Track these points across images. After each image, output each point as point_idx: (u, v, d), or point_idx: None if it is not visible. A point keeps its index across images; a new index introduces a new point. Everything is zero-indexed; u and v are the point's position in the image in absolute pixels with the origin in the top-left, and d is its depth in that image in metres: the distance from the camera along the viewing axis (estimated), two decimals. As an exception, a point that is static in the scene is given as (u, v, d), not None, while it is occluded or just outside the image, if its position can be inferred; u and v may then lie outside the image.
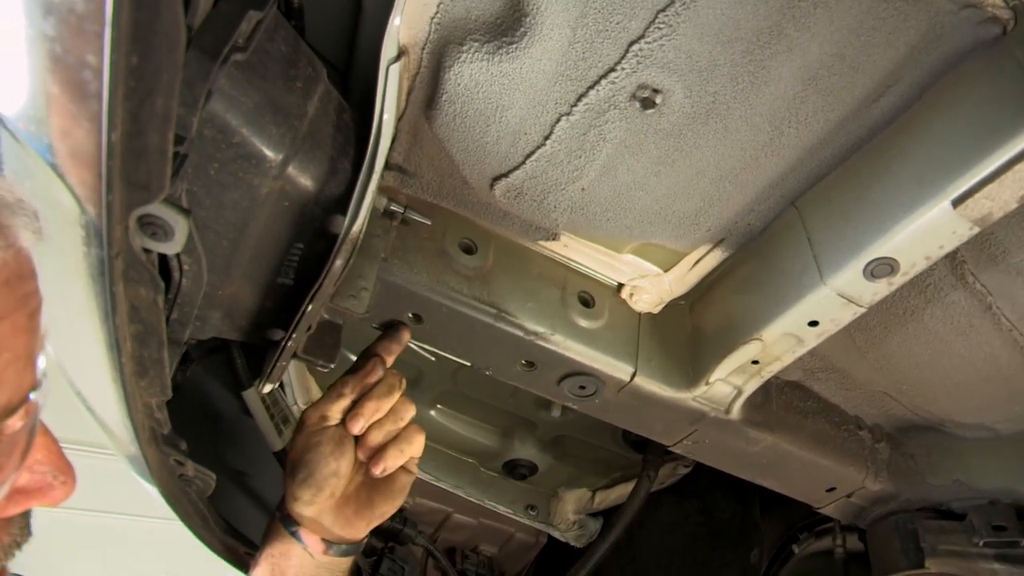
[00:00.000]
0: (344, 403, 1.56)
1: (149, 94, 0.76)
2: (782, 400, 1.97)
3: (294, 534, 1.58)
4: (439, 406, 2.70)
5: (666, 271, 1.75)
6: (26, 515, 1.00)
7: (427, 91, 1.35)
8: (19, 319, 0.82)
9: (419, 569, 2.82)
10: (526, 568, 3.36)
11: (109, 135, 0.75)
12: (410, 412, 1.60)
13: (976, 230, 1.25)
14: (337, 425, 1.56)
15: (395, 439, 1.57)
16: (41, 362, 0.90)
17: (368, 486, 1.60)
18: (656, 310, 1.80)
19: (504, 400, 2.58)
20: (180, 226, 0.99)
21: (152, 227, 0.98)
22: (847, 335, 1.76)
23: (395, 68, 1.23)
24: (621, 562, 2.98)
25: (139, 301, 1.04)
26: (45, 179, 0.83)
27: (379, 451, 1.56)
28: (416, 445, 1.59)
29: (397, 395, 1.58)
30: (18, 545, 0.99)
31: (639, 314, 1.80)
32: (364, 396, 1.56)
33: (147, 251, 1.01)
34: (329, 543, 1.60)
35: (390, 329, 1.64)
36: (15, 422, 0.85)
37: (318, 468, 1.52)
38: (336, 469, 1.53)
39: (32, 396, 0.88)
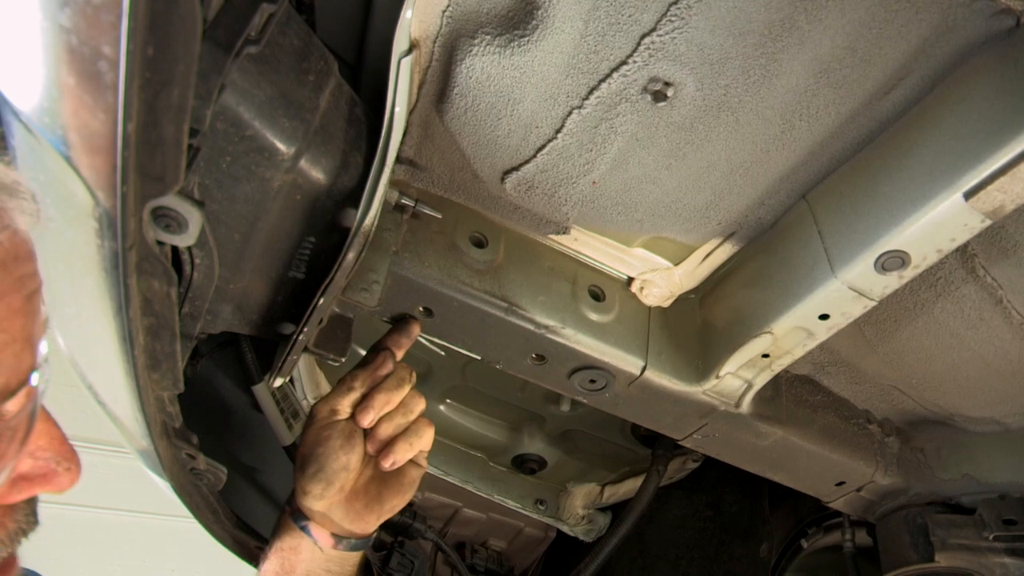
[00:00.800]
0: (354, 396, 1.56)
1: (165, 85, 0.76)
2: (792, 394, 1.97)
3: (304, 528, 1.59)
4: (448, 401, 2.70)
5: (676, 265, 1.75)
6: (31, 502, 1.00)
7: (438, 84, 1.35)
8: (15, 301, 0.82)
9: (428, 563, 2.83)
10: (535, 563, 3.36)
11: (125, 126, 0.75)
12: (420, 405, 1.60)
13: (988, 223, 1.25)
14: (347, 419, 1.56)
15: (404, 432, 1.58)
16: (43, 347, 0.90)
17: (377, 480, 1.60)
18: (666, 304, 1.80)
19: (513, 395, 2.58)
20: (194, 218, 1.00)
21: (166, 219, 0.99)
22: (857, 329, 1.76)
23: (407, 61, 1.23)
24: (630, 556, 2.99)
25: (152, 294, 1.04)
26: (59, 171, 0.83)
27: (389, 444, 1.56)
28: (425, 438, 1.60)
29: (407, 388, 1.59)
30: (24, 532, 0.99)
31: (649, 308, 1.80)
32: (374, 389, 1.56)
33: (160, 244, 1.02)
34: (339, 538, 1.60)
35: (400, 323, 1.64)
36: (14, 405, 0.85)
37: (328, 462, 1.52)
38: (346, 463, 1.53)
39: (33, 380, 0.88)
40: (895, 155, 1.35)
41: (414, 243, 1.55)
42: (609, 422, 2.59)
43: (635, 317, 1.76)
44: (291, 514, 1.61)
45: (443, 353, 2.36)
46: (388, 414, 1.57)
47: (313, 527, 1.59)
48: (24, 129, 0.83)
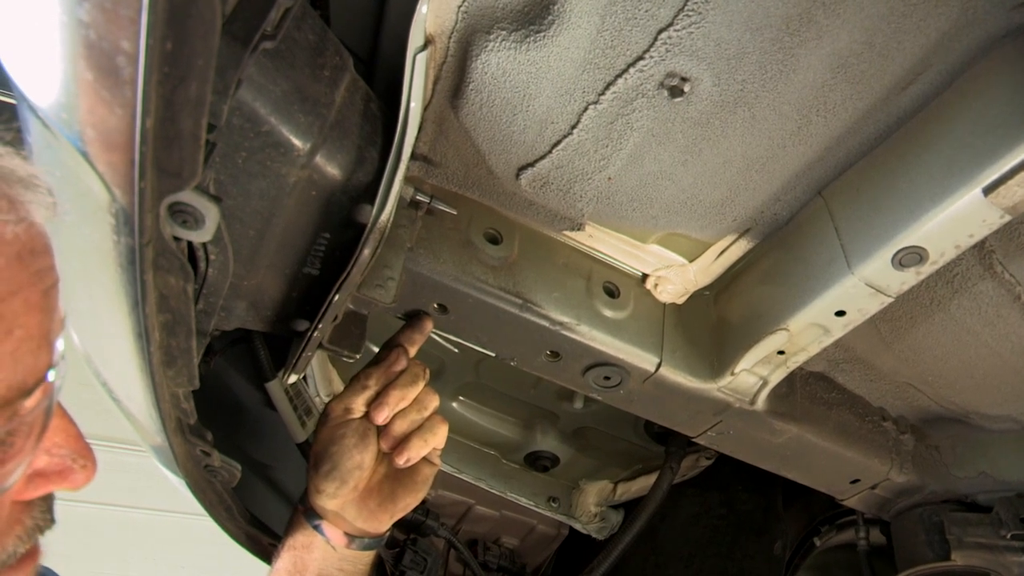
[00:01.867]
0: (368, 394, 1.56)
1: (183, 80, 0.75)
2: (807, 391, 1.97)
3: (317, 527, 1.59)
4: (461, 398, 2.70)
5: (691, 261, 1.75)
6: (48, 499, 0.99)
7: (454, 80, 1.34)
8: (32, 296, 0.81)
9: (441, 561, 2.82)
10: (548, 560, 3.36)
11: (143, 121, 0.75)
12: (434, 402, 1.60)
13: (1007, 218, 1.24)
14: (361, 418, 1.56)
15: (419, 429, 1.57)
16: (59, 344, 0.90)
17: (391, 478, 1.60)
18: (681, 300, 1.80)
19: (526, 392, 2.58)
20: (211, 214, 0.99)
21: (183, 215, 0.99)
22: (872, 326, 1.75)
23: (422, 57, 1.23)
24: (643, 554, 2.98)
25: (168, 290, 1.04)
26: (76, 167, 0.83)
27: (403, 441, 1.56)
28: (440, 435, 1.59)
29: (421, 384, 1.58)
30: (41, 529, 0.98)
31: (664, 304, 1.79)
32: (388, 386, 1.56)
33: (177, 239, 1.02)
34: (352, 536, 1.60)
35: (413, 319, 1.64)
36: (31, 402, 0.85)
37: (342, 461, 1.52)
38: (360, 462, 1.53)
39: (50, 377, 0.88)
40: (913, 150, 1.34)
41: (429, 239, 1.55)
42: (622, 419, 2.59)
43: (650, 314, 1.76)
44: (304, 512, 1.61)
45: (456, 350, 2.36)
46: (402, 411, 1.56)
47: (326, 526, 1.59)
48: (42, 125, 0.83)
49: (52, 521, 1.01)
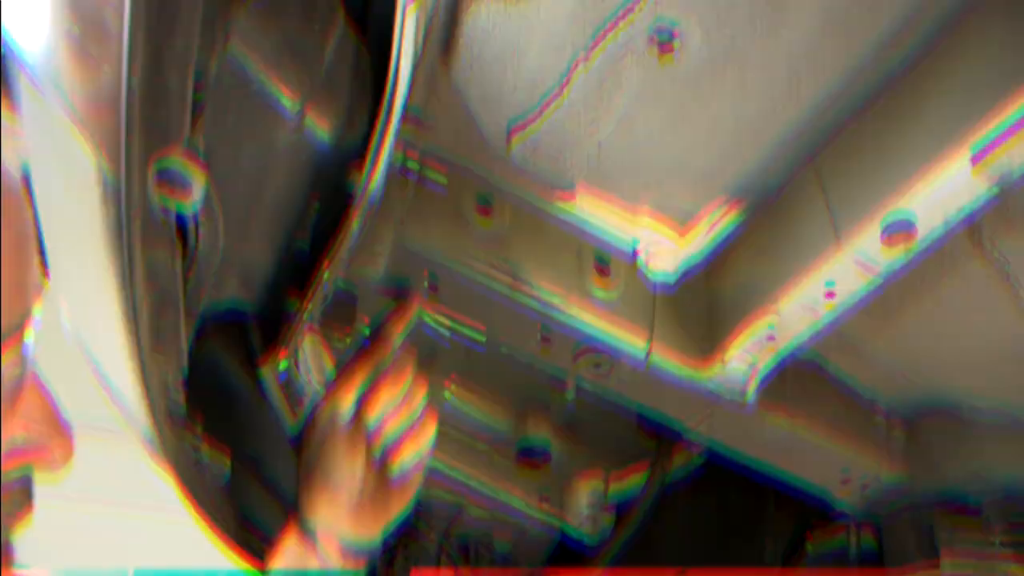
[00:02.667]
0: (356, 393, 1.55)
1: (170, 33, 0.75)
2: (797, 383, 1.96)
3: (310, 537, 1.58)
4: (452, 390, 2.69)
5: (681, 235, 1.74)
6: (26, 483, 0.98)
7: (444, 34, 1.34)
8: None
9: (432, 563, 2.82)
10: (540, 561, 3.35)
11: (129, 77, 0.74)
12: (424, 400, 1.60)
13: (995, 189, 1.24)
14: (350, 422, 1.56)
15: (409, 428, 1.58)
16: (37, 314, 0.88)
17: (384, 484, 1.59)
18: (671, 272, 1.78)
19: (518, 385, 2.57)
20: (199, 180, 0.98)
21: (171, 181, 0.98)
22: (863, 310, 1.75)
23: (412, 8, 1.22)
24: (634, 552, 2.97)
25: (156, 263, 1.03)
26: (62, 130, 0.82)
27: (394, 444, 1.56)
28: (430, 435, 1.60)
29: (410, 379, 1.58)
30: (13, 512, 0.97)
31: (655, 287, 1.78)
32: (377, 384, 1.55)
33: (165, 208, 1.01)
34: (345, 544, 1.59)
35: (401, 297, 1.63)
36: None
37: (333, 470, 1.52)
38: (352, 469, 1.53)
39: (25, 337, 0.86)
40: (901, 117, 1.34)
41: (418, 212, 1.54)
42: (614, 415, 2.58)
43: (641, 296, 1.75)
44: (296, 522, 1.60)
45: (447, 343, 2.36)
46: (392, 412, 1.56)
47: (320, 535, 1.58)
48: (28, 85, 0.82)
49: (30, 503, 0.99)
